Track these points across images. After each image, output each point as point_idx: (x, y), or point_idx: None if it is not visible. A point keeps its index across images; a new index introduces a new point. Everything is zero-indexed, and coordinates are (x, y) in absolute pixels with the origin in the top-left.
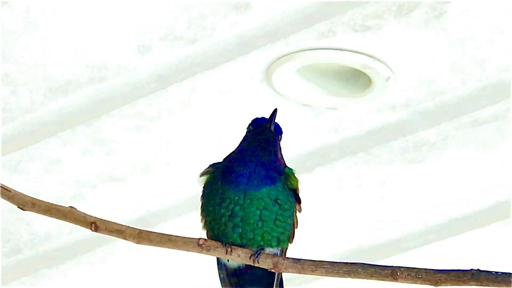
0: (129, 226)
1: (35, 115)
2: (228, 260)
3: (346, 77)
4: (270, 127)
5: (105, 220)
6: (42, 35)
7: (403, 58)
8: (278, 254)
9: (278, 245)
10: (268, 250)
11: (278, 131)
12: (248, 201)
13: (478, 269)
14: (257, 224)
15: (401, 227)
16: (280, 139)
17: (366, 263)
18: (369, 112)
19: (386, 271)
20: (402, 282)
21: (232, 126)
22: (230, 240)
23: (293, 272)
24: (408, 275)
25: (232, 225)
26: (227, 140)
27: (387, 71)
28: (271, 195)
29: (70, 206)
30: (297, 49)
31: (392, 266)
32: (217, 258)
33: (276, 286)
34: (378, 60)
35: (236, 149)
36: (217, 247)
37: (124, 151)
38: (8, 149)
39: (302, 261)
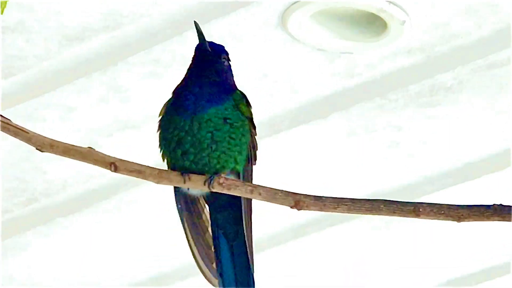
0: (148, 166)
1: (50, 63)
2: (188, 189)
3: (361, 21)
4: (206, 47)
5: (124, 160)
6: None
7: (419, 2)
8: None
9: (235, 165)
10: (227, 174)
11: (218, 50)
12: (197, 124)
13: (500, 204)
14: (211, 148)
15: (417, 172)
16: (226, 58)
17: (388, 199)
18: (384, 56)
19: (408, 207)
20: (425, 218)
21: (248, 72)
22: (184, 168)
23: (315, 210)
24: (430, 211)
25: (181, 153)
26: (242, 86)
27: (402, 14)
28: (219, 114)
29: (88, 147)
30: None
31: (414, 202)
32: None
33: (245, 216)
34: (393, 3)
35: (182, 79)
36: (238, 185)
37: (140, 98)
38: (24, 97)
39: (323, 198)
